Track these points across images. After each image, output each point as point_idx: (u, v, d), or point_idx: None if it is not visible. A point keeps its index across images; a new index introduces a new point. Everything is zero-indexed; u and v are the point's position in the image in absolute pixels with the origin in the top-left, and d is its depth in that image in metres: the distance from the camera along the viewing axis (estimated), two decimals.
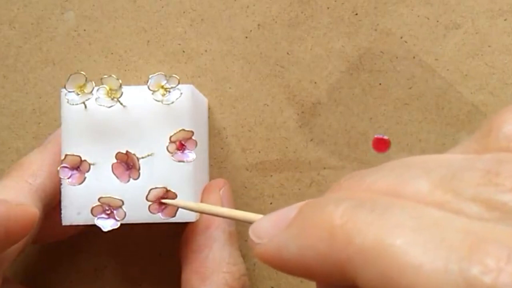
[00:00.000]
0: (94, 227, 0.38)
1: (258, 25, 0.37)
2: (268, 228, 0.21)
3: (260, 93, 0.37)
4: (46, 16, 0.38)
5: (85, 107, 0.32)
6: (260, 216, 0.23)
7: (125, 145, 0.31)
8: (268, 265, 0.20)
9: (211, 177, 0.37)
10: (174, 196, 0.31)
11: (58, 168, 0.31)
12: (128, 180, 0.30)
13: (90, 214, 0.31)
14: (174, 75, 0.32)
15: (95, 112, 0.32)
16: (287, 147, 0.37)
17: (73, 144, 0.32)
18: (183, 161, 0.31)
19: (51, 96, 0.37)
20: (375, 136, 0.37)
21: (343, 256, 0.18)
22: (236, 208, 0.37)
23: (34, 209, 0.29)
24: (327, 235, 0.18)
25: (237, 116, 0.37)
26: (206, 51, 0.37)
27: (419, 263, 0.16)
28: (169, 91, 0.32)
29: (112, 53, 0.38)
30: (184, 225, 0.34)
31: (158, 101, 0.31)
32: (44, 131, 0.37)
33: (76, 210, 0.32)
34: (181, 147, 0.31)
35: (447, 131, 0.36)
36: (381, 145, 0.37)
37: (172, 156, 0.31)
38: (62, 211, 0.32)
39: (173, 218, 0.31)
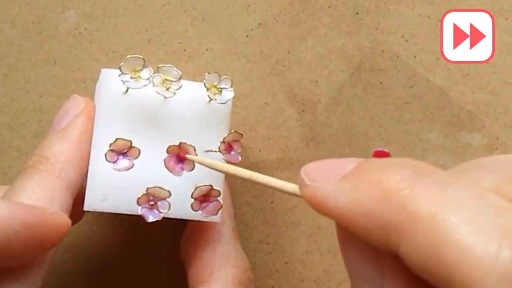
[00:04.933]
0: (96, 225, 0.38)
1: (259, 24, 0.37)
2: (323, 172, 0.21)
3: (261, 92, 0.37)
4: (47, 15, 0.38)
5: (126, 91, 0.31)
6: (296, 186, 0.23)
7: (164, 137, 0.30)
8: (312, 208, 0.21)
9: None
10: (218, 194, 0.31)
11: (105, 152, 0.29)
12: (182, 173, 0.30)
13: (118, 202, 0.30)
14: (226, 76, 0.32)
15: (134, 98, 0.31)
16: (288, 146, 0.37)
17: (108, 128, 0.30)
18: (231, 162, 0.31)
19: (52, 95, 0.37)
20: (375, 149, 0.37)
21: (392, 220, 0.17)
22: (236, 207, 0.37)
23: (67, 218, 0.28)
24: (381, 196, 0.18)
25: (238, 115, 0.37)
26: (207, 50, 0.37)
27: (471, 244, 0.16)
28: (220, 91, 0.32)
29: (113, 52, 0.38)
30: (183, 224, 0.34)
31: (212, 99, 0.31)
32: (45, 130, 0.37)
33: (102, 196, 0.30)
34: (229, 148, 0.31)
35: (448, 130, 0.36)
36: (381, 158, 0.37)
37: (223, 155, 0.31)
38: (87, 196, 0.30)
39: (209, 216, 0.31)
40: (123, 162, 0.30)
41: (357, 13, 0.37)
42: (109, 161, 0.30)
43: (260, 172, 0.37)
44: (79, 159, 0.30)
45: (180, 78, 0.31)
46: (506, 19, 0.37)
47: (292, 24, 0.37)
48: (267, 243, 0.37)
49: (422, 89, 0.37)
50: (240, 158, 0.32)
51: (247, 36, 0.37)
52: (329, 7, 0.37)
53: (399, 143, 0.37)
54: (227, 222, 0.33)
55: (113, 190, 0.30)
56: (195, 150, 0.30)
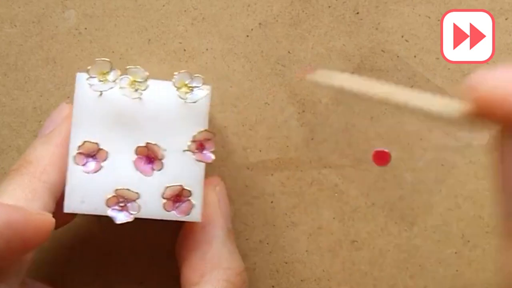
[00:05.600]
0: (95, 225, 0.38)
1: (259, 23, 0.37)
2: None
3: (261, 92, 0.37)
4: (47, 15, 0.38)
5: (101, 94, 0.31)
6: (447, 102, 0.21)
7: (137, 138, 0.31)
8: (484, 109, 0.20)
9: (211, 175, 0.37)
10: (189, 194, 0.31)
11: (74, 155, 0.30)
12: (152, 173, 0.30)
13: (94, 204, 0.30)
14: (198, 75, 0.32)
15: (109, 101, 0.31)
16: (288, 146, 0.37)
17: (83, 131, 0.31)
18: (203, 161, 0.31)
19: (52, 95, 0.37)
20: (375, 149, 0.37)
21: None
22: (236, 207, 0.37)
23: (51, 217, 0.28)
24: None
25: (238, 114, 0.37)
26: (207, 49, 0.37)
27: None
28: (192, 90, 0.31)
29: (113, 52, 0.38)
30: (181, 224, 0.34)
31: (183, 99, 0.31)
32: None
33: (80, 198, 0.31)
34: (201, 147, 0.31)
35: (448, 130, 0.36)
36: (382, 158, 0.37)
37: (194, 155, 0.31)
38: (66, 198, 0.31)
39: (183, 216, 0.31)
40: (92, 164, 0.30)
41: (357, 13, 0.37)
42: (78, 164, 0.30)
43: (260, 172, 0.37)
44: (62, 162, 0.31)
45: (147, 79, 0.31)
46: (506, 19, 0.37)
47: (292, 24, 0.37)
48: (267, 243, 0.37)
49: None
50: (213, 157, 0.31)
51: (247, 36, 0.37)
52: (329, 7, 0.37)
53: (399, 143, 0.37)
54: (220, 223, 0.32)
55: (91, 192, 0.30)
56: (160, 149, 0.30)
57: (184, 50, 0.37)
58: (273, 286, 0.37)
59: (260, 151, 0.37)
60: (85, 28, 0.38)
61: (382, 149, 0.37)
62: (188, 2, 0.38)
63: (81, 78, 0.32)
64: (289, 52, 0.37)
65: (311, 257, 0.37)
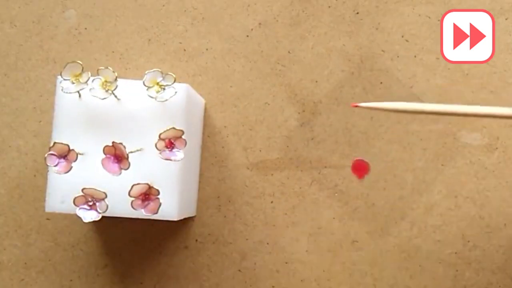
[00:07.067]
0: (96, 225, 0.38)
1: (259, 24, 0.37)
2: None
3: (261, 92, 0.37)
4: (47, 15, 0.38)
5: (79, 96, 0.32)
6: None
7: (116, 138, 0.31)
8: None
9: (212, 175, 0.37)
10: (157, 193, 0.31)
11: (46, 155, 0.30)
12: (120, 173, 0.30)
13: (73, 204, 0.31)
14: (170, 73, 0.31)
15: (89, 102, 0.32)
16: (288, 146, 0.37)
17: (64, 132, 0.32)
18: (170, 160, 0.31)
19: (52, 95, 0.37)
20: (355, 158, 0.37)
21: None
22: (236, 207, 0.37)
23: None
24: None
25: (238, 114, 0.37)
26: (207, 49, 0.37)
27: None
28: (164, 89, 0.31)
29: (113, 51, 0.38)
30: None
31: (152, 97, 0.31)
32: (45, 129, 0.37)
33: (60, 198, 0.32)
34: (170, 145, 0.31)
35: (448, 130, 0.36)
36: (360, 170, 0.37)
37: (160, 153, 0.31)
38: (46, 199, 0.32)
39: (155, 215, 0.31)
40: (63, 165, 0.31)
41: (357, 13, 0.37)
42: (50, 165, 0.30)
43: (259, 172, 0.37)
44: None
45: (116, 79, 0.31)
46: (506, 19, 0.37)
47: (292, 24, 0.37)
48: (267, 243, 0.37)
49: (422, 89, 0.37)
50: (182, 155, 0.31)
51: (247, 36, 0.37)
52: (329, 7, 0.37)
53: (399, 143, 0.37)
54: None
55: (70, 193, 0.31)
56: (125, 148, 0.30)
57: (184, 50, 0.37)
58: (273, 286, 0.37)
59: (260, 151, 0.37)
60: (85, 28, 0.38)
61: (361, 160, 0.37)
62: (187, 2, 0.38)
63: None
64: (289, 52, 0.37)
65: (311, 257, 0.37)
